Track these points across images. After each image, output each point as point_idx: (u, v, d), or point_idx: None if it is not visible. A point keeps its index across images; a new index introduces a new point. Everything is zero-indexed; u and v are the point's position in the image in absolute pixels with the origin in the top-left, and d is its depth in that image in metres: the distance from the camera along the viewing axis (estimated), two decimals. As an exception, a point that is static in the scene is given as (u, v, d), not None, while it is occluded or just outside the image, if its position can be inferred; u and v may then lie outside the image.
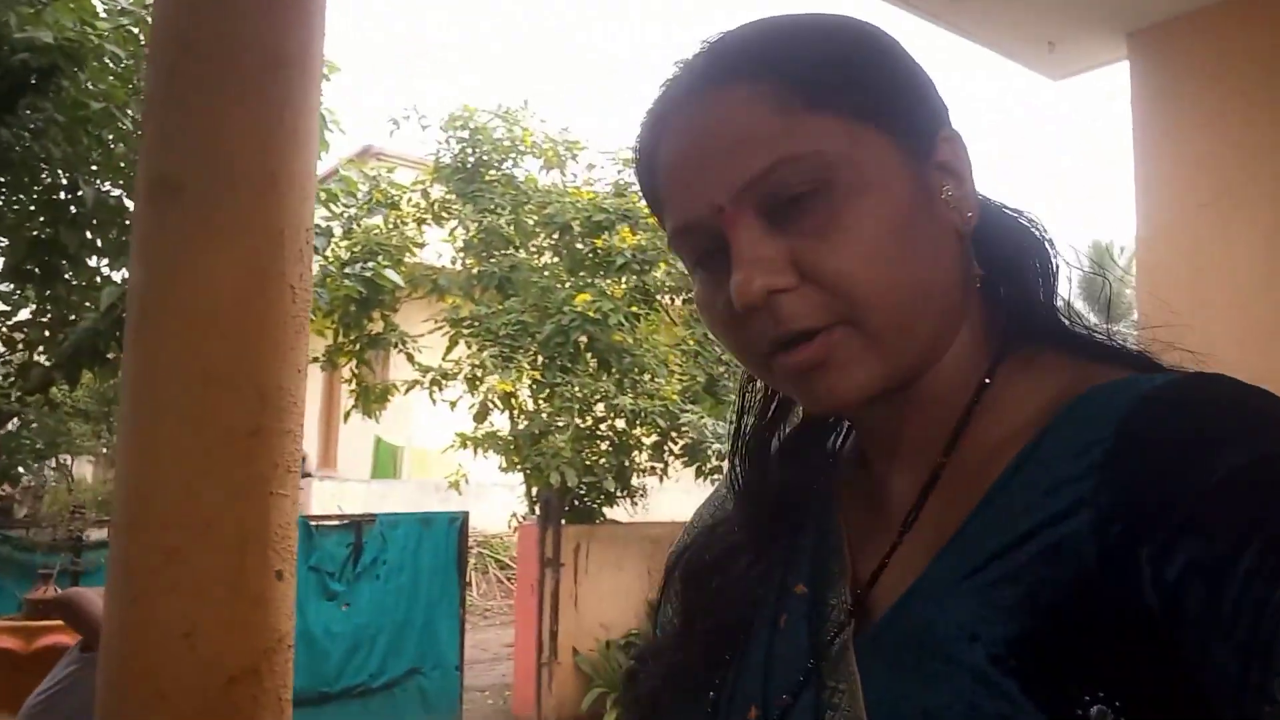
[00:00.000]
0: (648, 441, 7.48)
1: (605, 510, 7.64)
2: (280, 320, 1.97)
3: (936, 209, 0.57)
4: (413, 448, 12.24)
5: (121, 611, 1.75)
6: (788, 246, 0.55)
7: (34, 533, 4.45)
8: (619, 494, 7.59)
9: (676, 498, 7.30)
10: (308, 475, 13.85)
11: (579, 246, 7.57)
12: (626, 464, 7.45)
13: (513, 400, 7.35)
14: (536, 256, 7.87)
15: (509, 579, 12.99)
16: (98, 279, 5.67)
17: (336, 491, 11.35)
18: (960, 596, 0.51)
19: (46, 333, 5.75)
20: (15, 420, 5.45)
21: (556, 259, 7.78)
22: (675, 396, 7.17)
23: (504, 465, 7.25)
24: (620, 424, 7.28)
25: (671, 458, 7.53)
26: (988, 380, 0.59)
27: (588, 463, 7.09)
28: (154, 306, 1.94)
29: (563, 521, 7.00)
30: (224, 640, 1.75)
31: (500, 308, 7.26)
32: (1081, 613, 0.47)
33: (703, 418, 7.07)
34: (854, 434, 0.70)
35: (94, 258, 5.64)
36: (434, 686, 6.14)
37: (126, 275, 5.68)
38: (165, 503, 1.76)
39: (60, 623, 3.28)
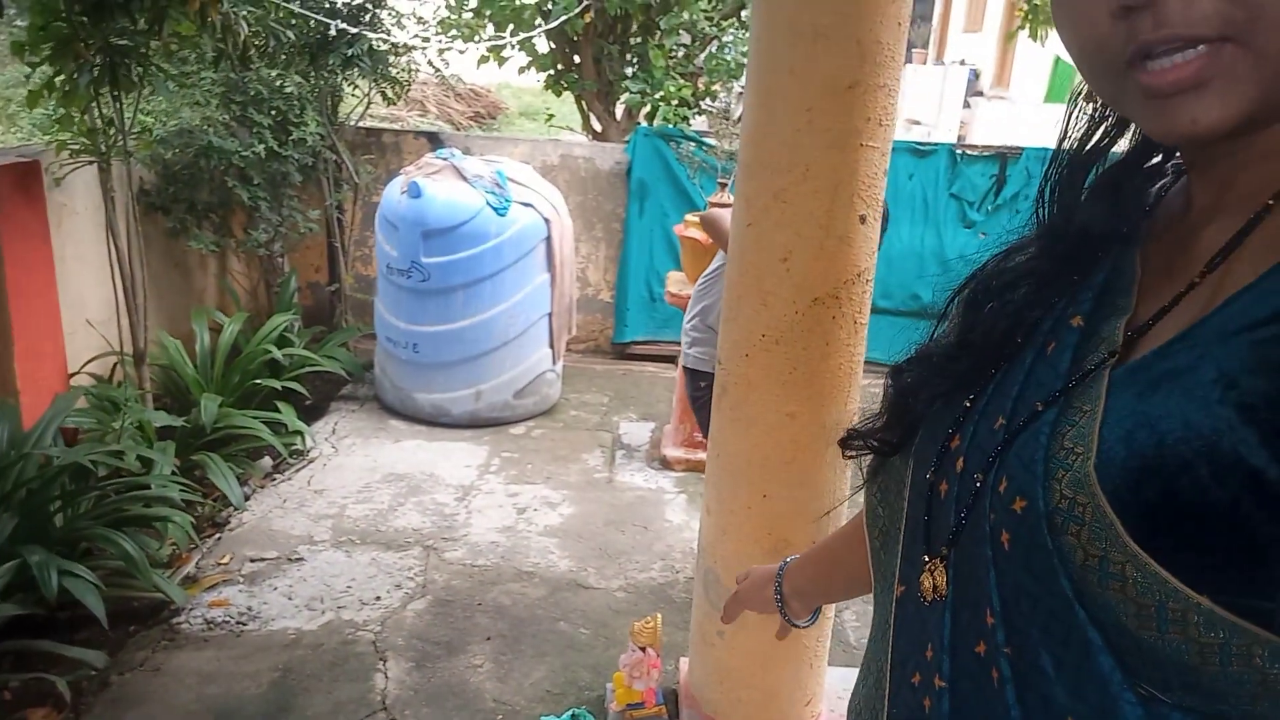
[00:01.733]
0: None
1: None
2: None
3: None
4: (1094, 72, 11.03)
5: (741, 234, 2.17)
6: None
7: (721, 143, 5.29)
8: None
9: None
10: (977, 94, 13.58)
11: None
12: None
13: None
14: None
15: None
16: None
17: (1001, 114, 10.99)
18: (1231, 345, 0.50)
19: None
20: (715, 43, 6.32)
21: None
22: None
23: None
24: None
25: None
26: None
27: None
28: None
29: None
30: (813, 268, 2.08)
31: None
32: None
33: None
34: (1180, 181, 0.64)
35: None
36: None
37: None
38: (773, 149, 2.06)
39: (731, 224, 4.07)
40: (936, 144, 5.86)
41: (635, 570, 3.41)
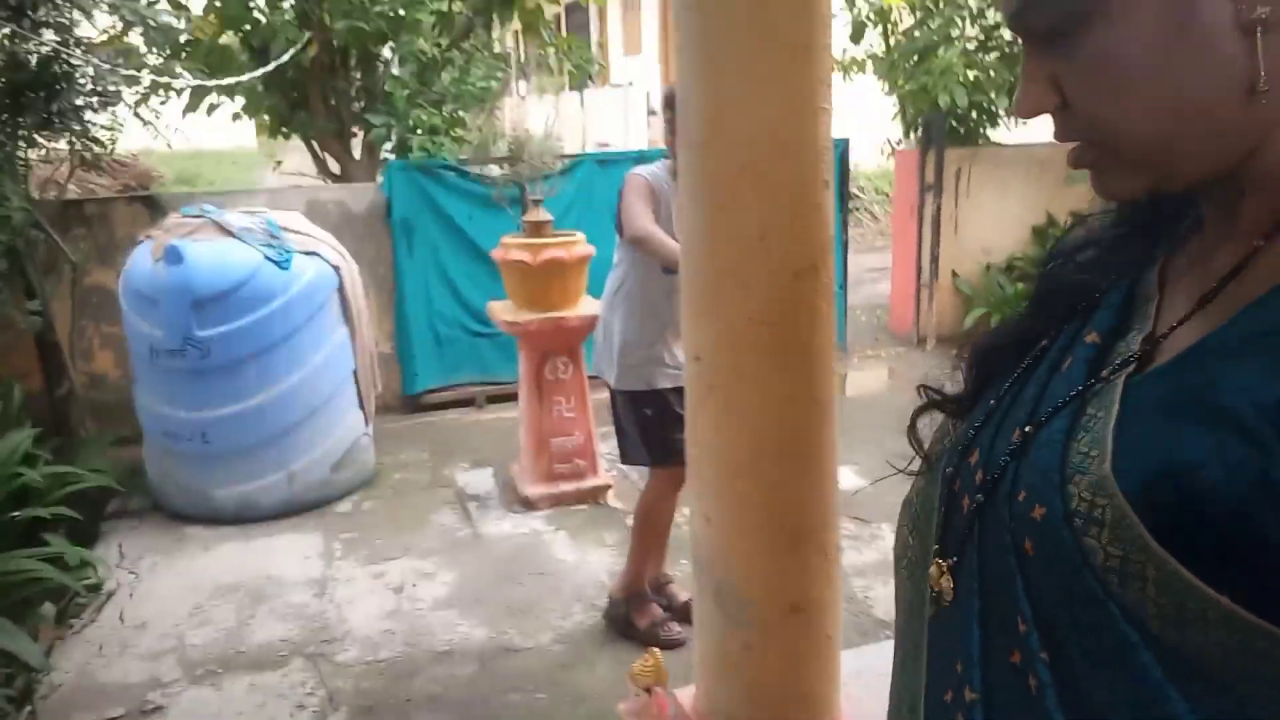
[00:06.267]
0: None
1: (988, 131, 7.25)
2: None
3: (1200, 18, 0.53)
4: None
5: (704, 218, 2.03)
6: (1052, 69, 0.58)
7: (506, 169, 5.02)
8: (1004, 112, 7.12)
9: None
10: (651, 113, 14.37)
11: None
12: (1016, 77, 6.89)
13: (889, 16, 6.91)
14: None
15: (869, 206, 13.10)
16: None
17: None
18: (1250, 355, 0.52)
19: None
20: (450, 68, 6.07)
21: None
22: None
23: (884, 89, 7.00)
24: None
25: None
26: None
27: (976, 78, 6.63)
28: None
29: (944, 145, 6.78)
30: (790, 242, 2.00)
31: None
32: None
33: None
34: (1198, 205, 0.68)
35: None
36: (823, 303, 6.58)
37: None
38: (734, 120, 1.95)
39: (558, 238, 3.89)
40: (621, 152, 6.06)
41: (557, 618, 3.12)
